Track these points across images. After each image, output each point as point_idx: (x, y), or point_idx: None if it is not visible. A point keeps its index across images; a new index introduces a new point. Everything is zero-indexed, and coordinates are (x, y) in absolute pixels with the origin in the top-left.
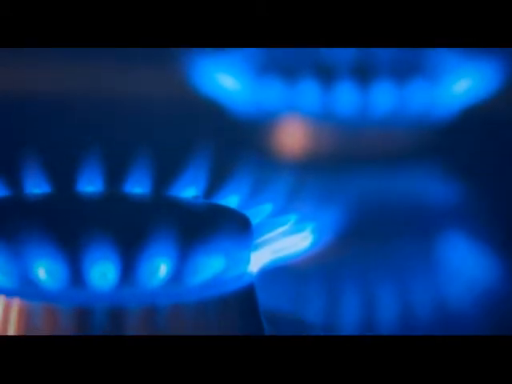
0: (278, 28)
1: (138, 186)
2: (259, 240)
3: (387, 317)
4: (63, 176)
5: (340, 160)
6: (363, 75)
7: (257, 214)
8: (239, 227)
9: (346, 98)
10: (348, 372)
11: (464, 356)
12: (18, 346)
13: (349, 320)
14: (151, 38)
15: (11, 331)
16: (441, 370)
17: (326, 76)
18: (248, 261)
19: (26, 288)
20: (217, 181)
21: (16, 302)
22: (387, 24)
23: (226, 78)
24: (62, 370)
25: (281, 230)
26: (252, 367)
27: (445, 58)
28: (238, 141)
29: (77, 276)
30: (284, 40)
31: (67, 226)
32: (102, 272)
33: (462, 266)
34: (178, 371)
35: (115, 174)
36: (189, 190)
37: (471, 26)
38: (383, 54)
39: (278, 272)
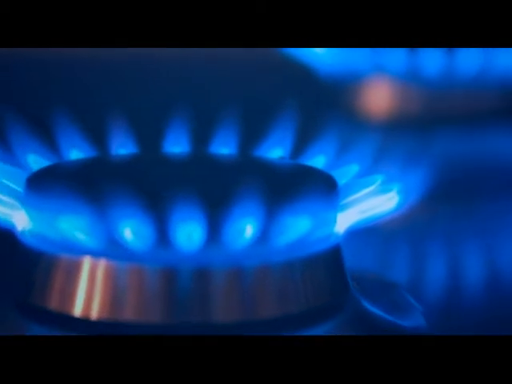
0: (278, 28)
1: (224, 146)
2: (346, 201)
3: (473, 277)
4: (150, 137)
5: (426, 121)
6: None
7: (343, 175)
8: (326, 188)
9: (432, 59)
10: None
11: None
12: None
13: (433, 280)
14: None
15: (97, 292)
16: None
17: None
18: (334, 221)
19: (113, 248)
20: (303, 142)
21: (102, 263)
22: (387, 24)
23: None
24: (68, 370)
25: (367, 190)
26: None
27: None
28: (324, 102)
29: (163, 236)
30: (284, 40)
31: (154, 186)
32: (189, 232)
33: None
34: (190, 370)
35: (202, 135)
36: (275, 150)
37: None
38: None
39: (364, 232)
